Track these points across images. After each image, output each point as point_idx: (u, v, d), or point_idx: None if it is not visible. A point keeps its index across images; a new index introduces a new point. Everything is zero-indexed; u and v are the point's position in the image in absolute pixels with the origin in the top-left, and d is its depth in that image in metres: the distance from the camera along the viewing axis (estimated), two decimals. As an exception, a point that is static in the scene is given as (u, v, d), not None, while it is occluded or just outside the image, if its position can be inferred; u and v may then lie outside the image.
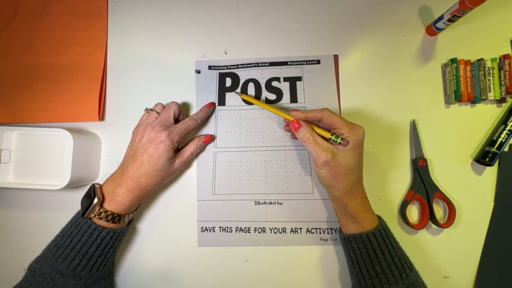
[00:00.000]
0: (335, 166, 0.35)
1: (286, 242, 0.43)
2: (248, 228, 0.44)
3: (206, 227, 0.44)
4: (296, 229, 0.43)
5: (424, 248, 0.42)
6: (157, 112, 0.41)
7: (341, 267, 0.42)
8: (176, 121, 0.42)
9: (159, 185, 0.40)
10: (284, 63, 0.47)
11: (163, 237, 0.44)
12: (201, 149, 0.45)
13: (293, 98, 0.46)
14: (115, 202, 0.37)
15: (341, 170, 0.35)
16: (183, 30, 0.49)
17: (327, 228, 0.43)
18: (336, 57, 0.47)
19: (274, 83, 0.47)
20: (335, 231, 0.43)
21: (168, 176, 0.40)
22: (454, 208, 0.41)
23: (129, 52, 0.49)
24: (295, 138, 0.44)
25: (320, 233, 0.43)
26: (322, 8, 0.48)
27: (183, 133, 0.40)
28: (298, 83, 0.46)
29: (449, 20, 0.42)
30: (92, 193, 0.37)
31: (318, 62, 0.47)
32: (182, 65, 0.48)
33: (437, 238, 0.42)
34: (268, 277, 0.43)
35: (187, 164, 0.44)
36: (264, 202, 0.44)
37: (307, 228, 0.43)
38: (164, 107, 0.42)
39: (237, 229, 0.44)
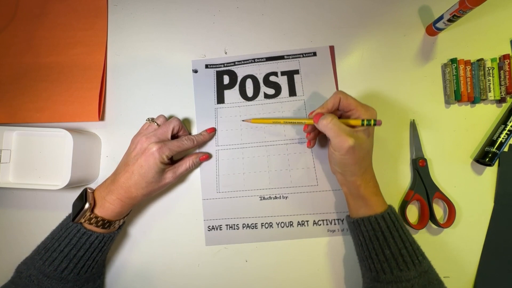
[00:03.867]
0: (358, 150, 0.34)
1: (294, 236, 0.43)
2: (255, 224, 0.44)
3: (212, 226, 0.44)
4: (303, 222, 0.43)
5: (424, 248, 0.42)
6: (157, 124, 0.41)
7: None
8: (176, 137, 0.42)
9: (150, 195, 0.40)
10: (281, 57, 0.47)
11: (170, 238, 0.44)
12: (197, 166, 0.45)
13: (292, 92, 0.46)
14: (105, 208, 0.37)
15: (362, 153, 0.35)
16: (183, 30, 0.49)
17: (334, 219, 0.43)
18: (332, 48, 0.47)
19: (272, 78, 0.47)
20: (342, 221, 0.43)
21: (159, 188, 0.40)
22: (454, 208, 0.41)
23: (129, 52, 0.49)
24: (311, 146, 0.43)
25: (327, 224, 0.43)
26: (322, 8, 0.48)
27: (176, 150, 0.39)
28: (295, 76, 0.47)
29: (449, 20, 0.42)
30: (83, 197, 0.37)
31: (315, 54, 0.47)
32: (182, 65, 0.48)
33: (437, 238, 0.42)
34: (273, 273, 0.43)
35: (181, 178, 0.44)
36: (269, 197, 0.44)
37: (314, 220, 0.43)
38: (165, 119, 0.42)
39: (244, 225, 0.44)
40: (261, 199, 0.44)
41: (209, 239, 0.44)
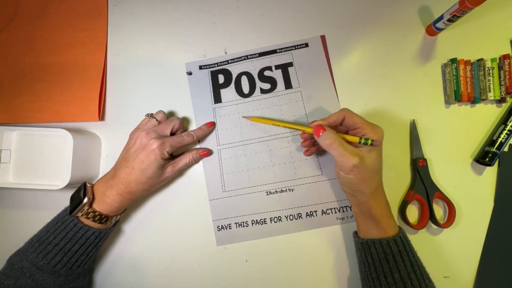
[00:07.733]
0: (363, 170, 0.34)
1: (304, 227, 0.43)
2: (264, 219, 0.44)
3: (222, 225, 0.44)
4: (311, 213, 0.43)
5: (424, 248, 0.42)
6: (157, 120, 0.41)
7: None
8: (174, 134, 0.42)
9: (150, 190, 0.40)
10: (273, 52, 0.47)
11: (169, 238, 0.44)
12: (197, 161, 0.45)
13: (288, 84, 0.46)
14: (105, 203, 0.37)
15: (368, 173, 0.35)
16: (183, 30, 0.49)
17: (342, 207, 0.43)
18: (323, 38, 0.47)
19: (267, 73, 0.47)
20: (350, 208, 0.43)
21: (159, 182, 0.40)
22: (454, 208, 0.41)
23: (129, 52, 0.49)
24: (309, 154, 0.43)
25: (335, 212, 0.43)
26: (322, 8, 0.48)
27: (176, 146, 0.39)
28: (290, 69, 0.47)
29: (449, 20, 0.42)
30: (82, 191, 0.37)
31: (306, 45, 0.47)
32: (182, 65, 0.48)
33: (437, 238, 0.42)
34: (273, 273, 0.43)
35: (180, 173, 0.44)
36: (276, 191, 0.44)
37: (322, 210, 0.43)
38: (165, 115, 0.42)
39: (253, 222, 0.44)
40: (267, 194, 0.44)
41: (219, 240, 0.44)
